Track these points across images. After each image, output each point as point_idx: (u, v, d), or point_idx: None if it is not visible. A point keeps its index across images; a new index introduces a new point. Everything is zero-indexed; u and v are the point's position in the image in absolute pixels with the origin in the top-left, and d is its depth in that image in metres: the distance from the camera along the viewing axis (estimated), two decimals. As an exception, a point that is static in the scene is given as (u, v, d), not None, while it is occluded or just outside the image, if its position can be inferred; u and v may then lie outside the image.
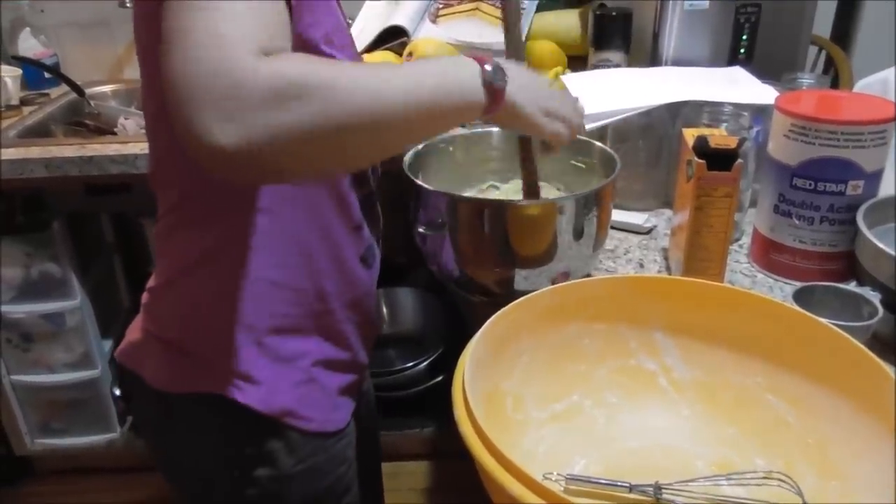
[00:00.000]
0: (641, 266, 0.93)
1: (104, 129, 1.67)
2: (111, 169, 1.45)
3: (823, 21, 1.96)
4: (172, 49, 0.51)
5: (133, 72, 1.96)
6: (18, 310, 1.66)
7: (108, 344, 1.81)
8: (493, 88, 0.64)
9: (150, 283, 0.79)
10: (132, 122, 1.66)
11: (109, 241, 1.81)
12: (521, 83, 0.68)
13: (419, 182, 0.84)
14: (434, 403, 1.75)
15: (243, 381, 0.74)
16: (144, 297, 0.80)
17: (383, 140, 0.59)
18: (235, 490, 0.79)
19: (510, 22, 0.78)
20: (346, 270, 0.80)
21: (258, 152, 0.50)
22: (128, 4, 1.71)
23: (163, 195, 0.76)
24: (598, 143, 0.92)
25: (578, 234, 0.80)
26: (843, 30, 1.99)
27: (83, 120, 1.72)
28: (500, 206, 0.82)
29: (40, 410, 1.80)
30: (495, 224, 0.80)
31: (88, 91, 1.80)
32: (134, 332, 0.80)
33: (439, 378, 1.73)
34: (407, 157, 0.89)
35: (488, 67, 0.64)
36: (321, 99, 0.52)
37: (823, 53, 1.83)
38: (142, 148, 1.45)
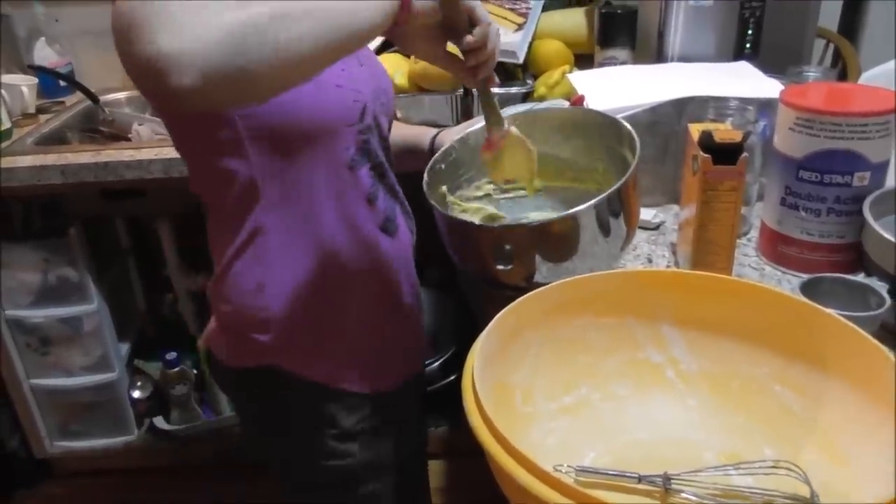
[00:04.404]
0: (650, 261, 0.94)
1: (118, 135, 1.70)
2: (126, 174, 1.48)
3: (831, 14, 1.96)
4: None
5: (145, 78, 1.98)
6: (37, 314, 1.69)
7: (124, 347, 1.84)
8: None
9: None
10: (146, 129, 1.68)
11: (125, 245, 1.84)
12: None
13: (435, 206, 0.84)
14: (447, 402, 1.76)
15: (285, 352, 0.86)
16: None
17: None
18: (305, 451, 0.92)
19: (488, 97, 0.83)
20: (367, 241, 0.88)
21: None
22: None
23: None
24: (627, 126, 0.87)
25: (606, 232, 0.79)
26: (851, 22, 1.99)
27: (98, 127, 1.74)
28: (521, 229, 0.81)
29: (59, 413, 1.83)
30: (518, 244, 0.80)
31: (103, 98, 1.83)
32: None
33: (451, 378, 1.74)
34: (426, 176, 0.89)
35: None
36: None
37: (831, 47, 1.82)
38: (156, 153, 1.48)
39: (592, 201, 0.75)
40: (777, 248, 0.90)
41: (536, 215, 0.95)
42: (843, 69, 1.73)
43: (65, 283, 1.68)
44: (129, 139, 1.68)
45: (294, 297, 0.85)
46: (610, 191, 0.76)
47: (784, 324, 0.63)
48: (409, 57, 1.48)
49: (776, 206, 0.88)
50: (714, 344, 0.66)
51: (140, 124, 1.70)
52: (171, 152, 1.46)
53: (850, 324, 0.58)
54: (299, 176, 0.82)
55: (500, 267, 0.80)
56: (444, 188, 0.92)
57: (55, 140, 1.68)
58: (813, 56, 1.59)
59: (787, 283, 0.87)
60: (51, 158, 1.50)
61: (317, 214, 0.84)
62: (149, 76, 0.55)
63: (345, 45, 0.66)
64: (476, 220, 0.91)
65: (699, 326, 0.66)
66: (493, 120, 0.85)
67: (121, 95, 1.92)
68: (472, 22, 0.75)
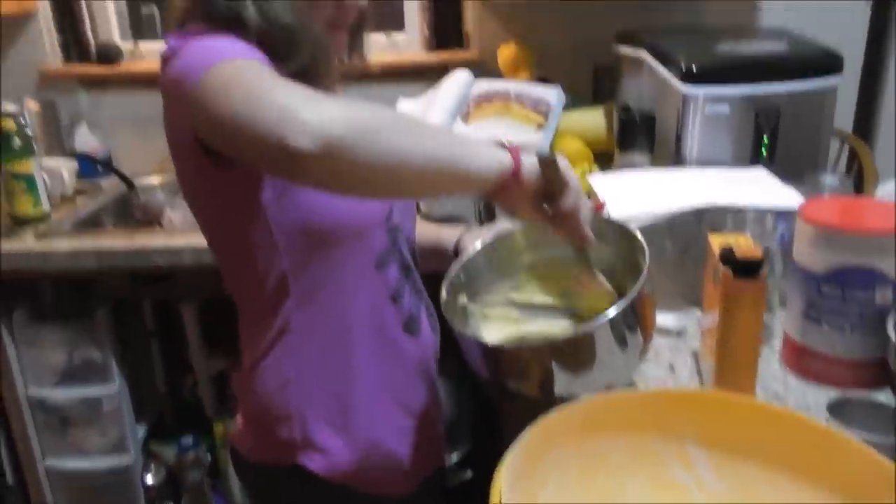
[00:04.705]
0: (672, 369, 0.94)
1: (152, 220, 1.75)
2: (157, 260, 1.52)
3: (846, 113, 2.01)
4: (233, 102, 0.65)
5: (179, 164, 2.06)
6: (58, 394, 1.71)
7: (141, 429, 1.84)
8: (514, 153, 0.73)
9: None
10: (178, 214, 1.74)
11: (150, 327, 1.87)
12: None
13: (451, 321, 0.84)
14: (462, 501, 1.73)
15: (307, 450, 0.87)
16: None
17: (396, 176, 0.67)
18: None
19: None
20: (391, 341, 0.90)
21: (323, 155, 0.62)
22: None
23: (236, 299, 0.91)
24: (640, 238, 0.87)
25: (622, 343, 0.79)
26: (865, 122, 2.03)
27: (132, 211, 1.81)
28: (538, 348, 0.81)
29: (71, 496, 1.82)
30: (533, 360, 0.80)
31: (137, 182, 1.90)
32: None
33: (468, 475, 1.71)
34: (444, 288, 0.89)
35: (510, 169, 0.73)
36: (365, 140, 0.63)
37: (847, 146, 1.86)
38: (187, 241, 1.52)
39: (604, 317, 0.76)
40: (801, 360, 0.90)
41: (551, 324, 0.95)
42: (859, 169, 1.77)
43: (88, 363, 1.71)
44: (161, 225, 1.73)
45: (316, 396, 0.87)
46: (623, 304, 0.76)
47: (808, 448, 0.62)
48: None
49: (799, 318, 0.89)
50: (740, 465, 0.66)
51: (173, 209, 1.76)
52: (202, 240, 1.49)
53: (876, 453, 0.58)
54: (328, 273, 0.85)
55: (515, 382, 0.81)
56: (464, 297, 0.94)
57: (91, 223, 1.74)
58: (829, 154, 1.63)
59: (813, 397, 0.86)
60: (86, 243, 1.55)
61: (342, 312, 0.87)
62: (269, 134, 0.61)
63: (450, 181, 0.70)
64: (490, 336, 0.92)
65: (724, 446, 0.66)
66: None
67: (155, 180, 1.99)
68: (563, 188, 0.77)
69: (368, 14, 0.95)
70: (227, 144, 0.71)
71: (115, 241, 1.56)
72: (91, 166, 1.97)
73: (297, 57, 0.81)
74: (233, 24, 0.79)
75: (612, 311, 0.76)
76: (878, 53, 1.97)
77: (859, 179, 1.71)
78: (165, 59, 0.78)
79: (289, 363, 0.86)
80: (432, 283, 0.97)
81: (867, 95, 2.02)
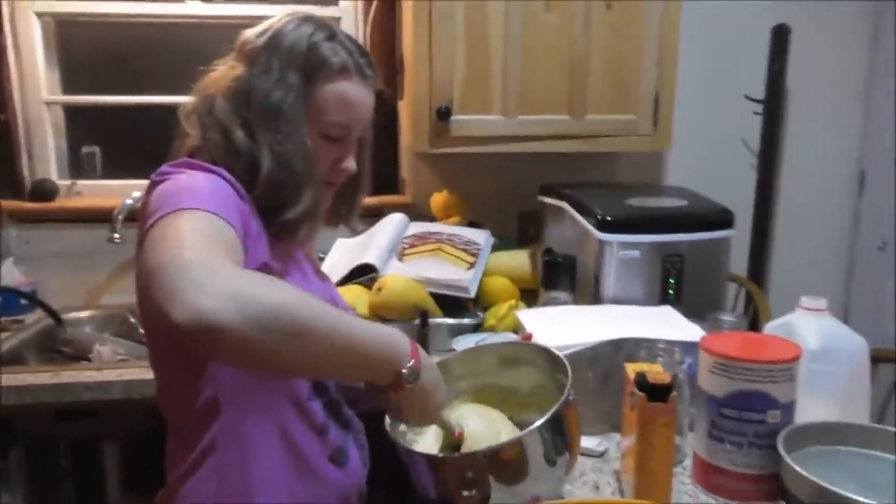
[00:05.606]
0: (597, 488, 1.00)
1: (79, 355, 1.72)
2: (84, 395, 1.48)
3: (743, 260, 2.24)
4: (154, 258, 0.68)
5: (110, 298, 2.05)
6: (-43, 545, 1.58)
7: (48, 579, 1.70)
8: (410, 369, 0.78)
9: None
10: (107, 349, 1.72)
11: (65, 466, 1.77)
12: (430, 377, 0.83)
13: (396, 441, 0.90)
14: None
15: None
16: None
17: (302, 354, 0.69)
18: None
19: None
20: (314, 471, 0.91)
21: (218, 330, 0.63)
22: (116, 239, 1.84)
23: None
24: (559, 353, 0.96)
25: (549, 459, 0.85)
26: (757, 267, 2.26)
27: (58, 347, 1.77)
28: (473, 457, 0.84)
29: None
30: (469, 471, 0.84)
31: (65, 317, 1.87)
32: None
33: None
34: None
35: (411, 365, 0.78)
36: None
37: (744, 289, 2.06)
38: (117, 374, 1.50)
39: (533, 426, 0.82)
40: (709, 477, 0.98)
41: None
42: (755, 309, 1.95)
43: (-5, 508, 1.60)
44: (89, 359, 1.71)
45: None
46: (550, 413, 0.83)
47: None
48: (370, 290, 1.61)
49: (705, 438, 0.98)
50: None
51: (102, 345, 1.74)
52: (133, 374, 1.49)
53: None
54: (258, 401, 0.88)
55: (465, 493, 0.85)
56: (403, 426, 0.98)
57: (12, 360, 1.69)
58: (729, 295, 1.80)
59: (721, 512, 0.94)
60: (6, 379, 1.49)
61: (268, 440, 0.89)
62: (160, 300, 0.64)
63: (344, 367, 0.75)
64: (436, 450, 0.97)
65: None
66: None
67: (83, 314, 1.97)
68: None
69: (363, 186, 1.05)
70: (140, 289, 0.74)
71: (38, 376, 1.52)
72: (14, 301, 1.93)
73: (301, 202, 0.87)
74: (247, 167, 0.85)
75: (546, 415, 0.83)
76: (765, 211, 2.24)
77: (756, 318, 1.89)
78: (154, 183, 0.83)
79: (210, 484, 0.87)
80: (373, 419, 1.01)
81: (758, 245, 2.26)
